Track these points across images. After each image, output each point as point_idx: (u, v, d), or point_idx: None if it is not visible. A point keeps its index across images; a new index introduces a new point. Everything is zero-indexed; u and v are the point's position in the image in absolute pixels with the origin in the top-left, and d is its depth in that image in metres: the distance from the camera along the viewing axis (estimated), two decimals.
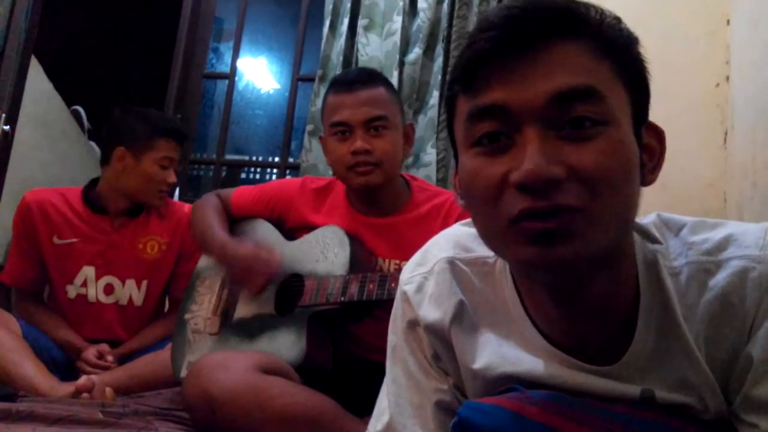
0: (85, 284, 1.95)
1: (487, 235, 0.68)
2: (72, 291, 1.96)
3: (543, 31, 0.62)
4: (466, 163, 0.66)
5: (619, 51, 0.65)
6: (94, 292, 1.96)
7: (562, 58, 0.62)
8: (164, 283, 2.06)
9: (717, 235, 0.70)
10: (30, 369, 1.64)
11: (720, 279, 0.67)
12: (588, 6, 0.66)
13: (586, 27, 0.64)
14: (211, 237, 1.65)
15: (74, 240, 1.95)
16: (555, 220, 0.58)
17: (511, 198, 0.61)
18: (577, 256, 0.60)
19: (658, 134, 0.70)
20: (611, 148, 0.60)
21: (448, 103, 0.71)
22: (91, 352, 1.84)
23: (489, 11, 0.72)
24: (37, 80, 2.87)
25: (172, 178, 1.98)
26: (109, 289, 1.97)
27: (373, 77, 1.58)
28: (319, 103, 2.53)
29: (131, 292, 1.99)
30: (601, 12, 0.66)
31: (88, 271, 1.95)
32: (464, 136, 0.66)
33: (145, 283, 2.00)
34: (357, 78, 1.55)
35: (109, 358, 1.85)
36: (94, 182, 2.05)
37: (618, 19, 0.67)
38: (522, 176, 0.59)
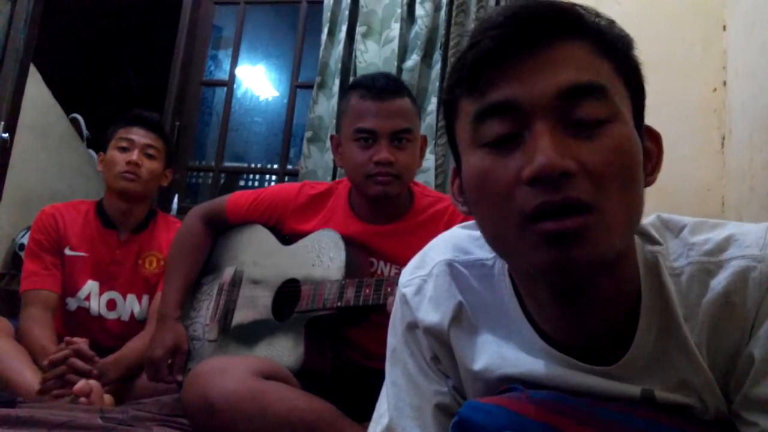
0: (88, 298, 1.96)
1: (497, 237, 0.67)
2: (73, 303, 1.96)
3: (546, 30, 0.63)
4: (474, 164, 0.66)
5: (618, 52, 0.66)
6: (97, 306, 1.96)
7: (566, 56, 0.62)
8: None
9: (718, 235, 0.70)
10: (28, 375, 1.64)
11: (721, 279, 0.67)
12: (584, 8, 0.67)
13: (587, 27, 0.65)
14: (164, 295, 1.69)
15: (84, 254, 1.97)
16: (571, 220, 0.58)
17: (524, 195, 0.60)
18: (593, 258, 0.60)
19: (655, 137, 0.71)
20: (619, 144, 0.61)
21: (448, 106, 0.71)
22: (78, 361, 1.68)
23: (490, 12, 0.73)
24: (36, 88, 2.88)
25: (130, 157, 1.95)
26: (111, 305, 1.97)
27: (401, 87, 1.57)
28: (317, 110, 2.54)
29: (133, 307, 1.99)
30: (596, 14, 0.67)
31: (93, 285, 1.96)
32: (471, 136, 0.66)
33: (146, 298, 2.00)
34: (386, 87, 1.53)
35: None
36: None
37: (612, 22, 0.68)
38: (536, 169, 0.59)
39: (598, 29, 0.66)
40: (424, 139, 1.66)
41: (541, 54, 0.62)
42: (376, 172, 1.49)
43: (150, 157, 2.00)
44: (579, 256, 0.59)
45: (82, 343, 1.67)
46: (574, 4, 0.66)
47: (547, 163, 0.58)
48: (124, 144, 1.98)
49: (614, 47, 0.66)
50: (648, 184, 0.68)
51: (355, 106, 1.54)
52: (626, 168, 0.61)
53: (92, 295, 1.96)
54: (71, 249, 1.97)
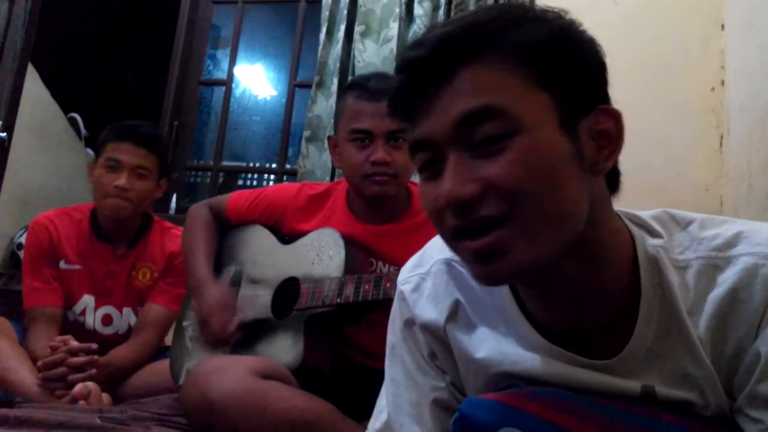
0: (83, 313, 1.92)
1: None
2: (70, 315, 1.93)
3: (444, 65, 0.65)
4: (419, 184, 0.71)
5: (537, 51, 0.65)
6: (92, 321, 1.92)
7: (466, 82, 0.65)
8: None
9: (727, 231, 0.70)
10: (27, 376, 1.63)
11: (730, 275, 0.67)
12: (501, 9, 0.67)
13: (490, 41, 0.65)
14: (193, 267, 1.67)
15: (79, 267, 1.92)
16: (484, 239, 0.63)
17: (446, 218, 0.66)
18: (516, 267, 0.63)
19: (615, 117, 0.68)
20: (522, 157, 0.62)
21: None
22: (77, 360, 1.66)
23: (404, 49, 0.78)
24: (34, 87, 2.88)
25: (119, 181, 1.85)
26: (107, 320, 1.94)
27: None
28: (316, 109, 2.54)
29: (129, 320, 1.96)
30: (514, 14, 0.67)
31: (89, 300, 1.92)
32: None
33: (141, 310, 1.96)
34: (382, 87, 1.51)
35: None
36: None
37: (543, 11, 0.68)
38: (443, 199, 0.64)
39: (505, 38, 0.65)
40: None
41: (441, 88, 0.66)
42: (372, 173, 1.49)
43: (140, 176, 1.90)
44: (501, 269, 0.64)
45: (69, 339, 1.65)
46: (483, 11, 0.66)
47: (448, 193, 0.63)
48: (112, 163, 1.87)
49: (531, 49, 0.65)
50: (602, 171, 0.68)
51: (350, 106, 1.54)
52: (533, 177, 0.62)
53: (87, 309, 1.92)
54: (66, 262, 1.92)
